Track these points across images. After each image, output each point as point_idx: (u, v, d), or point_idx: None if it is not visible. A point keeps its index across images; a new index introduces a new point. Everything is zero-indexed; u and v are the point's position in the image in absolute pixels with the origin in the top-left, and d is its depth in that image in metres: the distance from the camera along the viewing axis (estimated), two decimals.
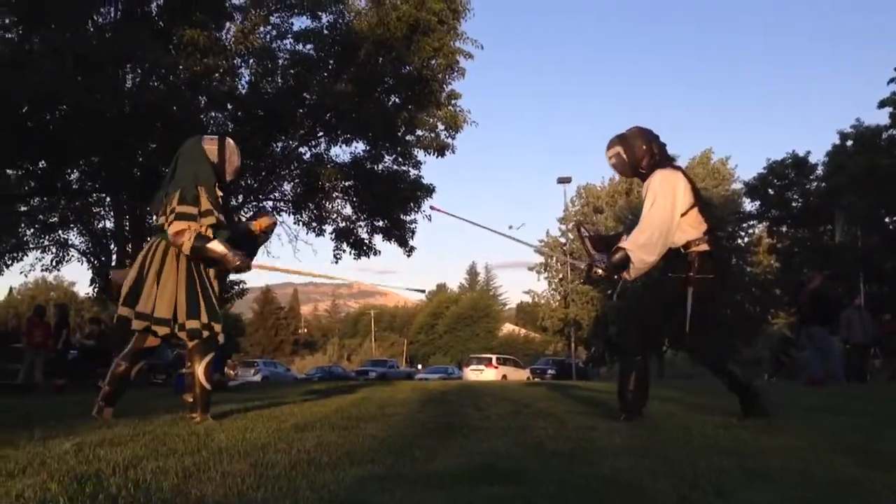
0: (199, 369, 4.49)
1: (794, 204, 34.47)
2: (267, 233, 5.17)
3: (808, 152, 33.73)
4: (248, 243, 4.92)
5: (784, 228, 35.06)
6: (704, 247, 4.39)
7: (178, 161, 4.75)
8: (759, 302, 40.20)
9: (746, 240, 41.47)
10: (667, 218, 4.31)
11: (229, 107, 18.69)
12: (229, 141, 4.87)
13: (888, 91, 27.91)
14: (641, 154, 4.53)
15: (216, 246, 4.48)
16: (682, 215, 4.36)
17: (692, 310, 4.30)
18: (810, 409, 5.32)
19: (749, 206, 38.59)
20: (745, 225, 40.55)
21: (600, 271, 4.52)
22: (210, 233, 4.50)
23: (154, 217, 4.78)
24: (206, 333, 4.49)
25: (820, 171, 33.29)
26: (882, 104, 28.25)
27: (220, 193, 4.68)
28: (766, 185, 34.62)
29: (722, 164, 43.67)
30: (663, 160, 4.56)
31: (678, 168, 4.59)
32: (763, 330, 42.18)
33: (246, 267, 4.69)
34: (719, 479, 2.33)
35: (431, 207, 5.62)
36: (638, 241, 4.34)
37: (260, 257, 4.90)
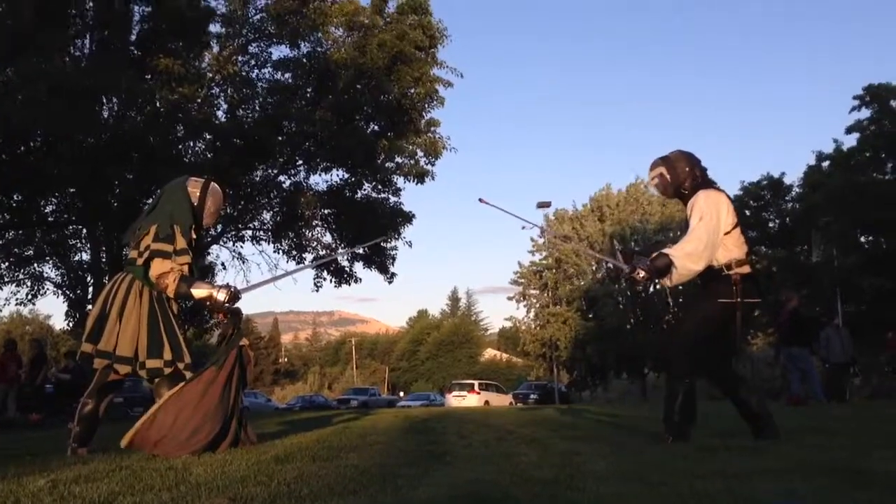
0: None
1: (770, 225, 34.84)
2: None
3: (783, 173, 34.21)
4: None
5: (763, 248, 35.41)
6: (746, 268, 4.50)
7: (160, 197, 4.76)
8: None
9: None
10: (713, 233, 4.40)
11: (207, 136, 18.65)
12: (214, 186, 4.86)
13: (852, 118, 28.71)
14: (685, 176, 4.65)
15: (200, 291, 4.46)
16: (726, 234, 4.46)
17: (739, 333, 4.45)
18: (793, 430, 5.33)
19: None
20: None
21: (643, 273, 4.57)
22: (187, 273, 4.47)
23: (126, 248, 4.73)
24: (167, 371, 4.43)
25: (795, 191, 33.74)
26: (849, 130, 28.90)
27: (193, 236, 4.65)
28: (742, 207, 34.99)
29: None
30: (705, 182, 4.66)
31: (720, 190, 4.69)
32: (742, 350, 42.41)
33: (235, 299, 4.64)
34: (704, 502, 2.32)
35: (480, 200, 5.55)
36: (685, 249, 4.43)
37: (239, 287, 4.83)
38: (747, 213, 34.94)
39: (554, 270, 43.91)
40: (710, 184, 4.68)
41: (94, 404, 4.61)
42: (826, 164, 30.66)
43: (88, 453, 4.52)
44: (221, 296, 4.53)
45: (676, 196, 4.76)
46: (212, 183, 4.87)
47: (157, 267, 4.36)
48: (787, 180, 34.11)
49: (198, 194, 4.73)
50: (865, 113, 28.56)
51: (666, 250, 4.54)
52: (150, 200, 17.43)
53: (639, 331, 39.21)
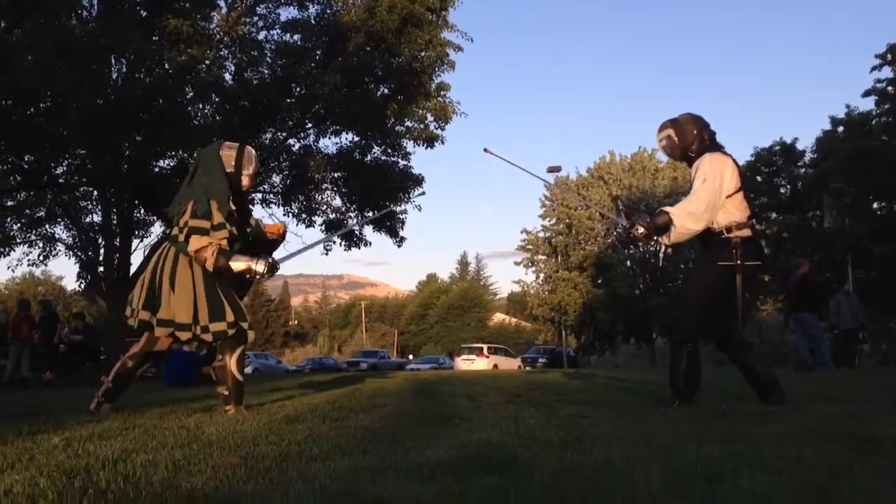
0: (231, 362, 4.57)
1: (782, 190, 34.60)
2: (281, 238, 5.20)
3: (796, 139, 33.88)
4: (265, 248, 4.94)
5: (773, 215, 35.18)
6: (747, 232, 4.51)
7: (196, 166, 4.82)
8: (747, 288, 40.37)
9: None
10: (714, 194, 4.42)
11: (216, 98, 18.58)
12: (249, 149, 4.90)
13: (872, 79, 28.14)
14: (692, 138, 4.66)
15: (238, 263, 4.53)
16: (728, 197, 4.47)
17: (741, 295, 4.45)
18: (800, 396, 5.34)
19: None
20: None
21: (642, 229, 4.59)
22: (226, 247, 4.55)
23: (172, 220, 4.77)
24: (231, 331, 4.53)
25: (808, 157, 33.43)
26: (867, 94, 28.41)
27: (232, 207, 4.69)
28: (754, 173, 34.72)
29: None
30: (712, 145, 4.66)
31: (727, 154, 4.67)
32: (752, 317, 42.36)
33: (273, 269, 4.72)
34: (710, 466, 2.33)
35: (485, 150, 5.53)
36: (686, 209, 4.46)
37: None
38: (759, 178, 34.69)
39: (564, 235, 43.72)
40: (717, 147, 4.68)
41: (134, 366, 4.69)
42: (840, 129, 30.27)
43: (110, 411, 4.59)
44: (260, 267, 4.60)
45: (684, 159, 4.77)
46: (247, 147, 4.90)
47: (195, 243, 4.44)
48: (800, 146, 33.79)
49: (233, 161, 4.76)
50: (886, 73, 27.94)
51: (666, 208, 4.57)
52: (160, 162, 17.36)
53: (648, 296, 39.23)
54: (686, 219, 4.44)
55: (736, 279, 4.44)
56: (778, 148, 33.89)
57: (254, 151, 4.95)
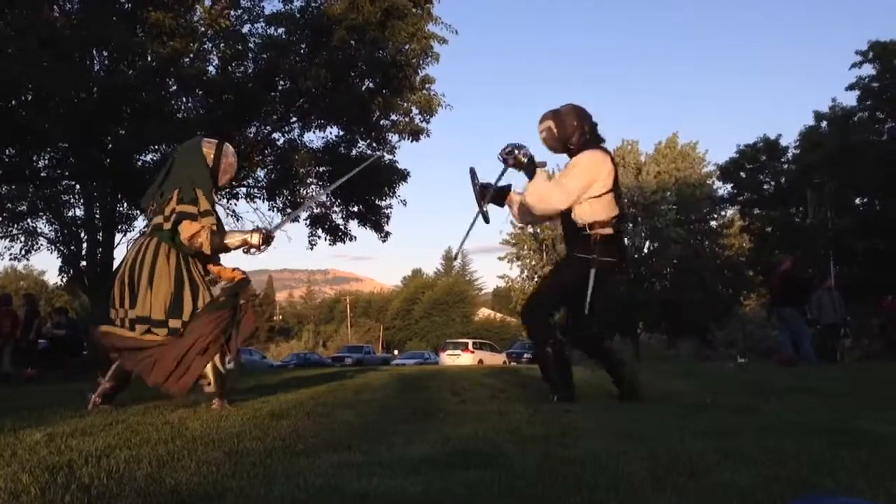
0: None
1: (765, 186, 34.83)
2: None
3: (780, 135, 34.14)
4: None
5: (756, 210, 35.39)
6: (609, 230, 4.52)
7: (174, 160, 4.78)
8: (730, 284, 40.62)
9: (720, 222, 41.87)
10: (573, 193, 4.45)
11: (199, 92, 18.46)
12: (228, 146, 4.88)
13: (853, 75, 28.38)
14: (572, 130, 4.62)
15: (234, 240, 4.54)
16: (596, 197, 4.47)
17: (592, 289, 4.45)
18: (783, 390, 5.39)
19: (721, 189, 38.95)
20: (717, 207, 40.93)
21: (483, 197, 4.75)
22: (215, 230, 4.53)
23: (146, 214, 4.73)
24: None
25: (791, 153, 33.65)
26: (850, 87, 28.63)
27: (215, 198, 4.73)
28: (739, 169, 34.93)
29: (691, 149, 43.88)
30: (593, 140, 4.66)
31: (607, 151, 4.68)
32: (735, 311, 42.68)
33: (269, 240, 4.70)
34: (693, 459, 2.35)
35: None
36: (547, 187, 4.54)
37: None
38: (743, 174, 34.90)
39: (552, 230, 43.72)
40: (598, 141, 4.70)
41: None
42: (824, 123, 30.48)
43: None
44: (255, 239, 4.61)
45: (564, 151, 4.73)
46: (225, 143, 4.88)
47: (187, 229, 4.39)
48: (784, 142, 34.03)
49: (212, 155, 4.75)
50: (867, 70, 28.19)
51: (531, 183, 4.61)
52: (144, 156, 17.18)
53: (632, 291, 39.38)
54: (532, 197, 4.53)
55: (590, 273, 4.45)
56: (762, 144, 34.10)
57: (231, 148, 4.93)
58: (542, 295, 4.80)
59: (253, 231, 4.63)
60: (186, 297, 4.46)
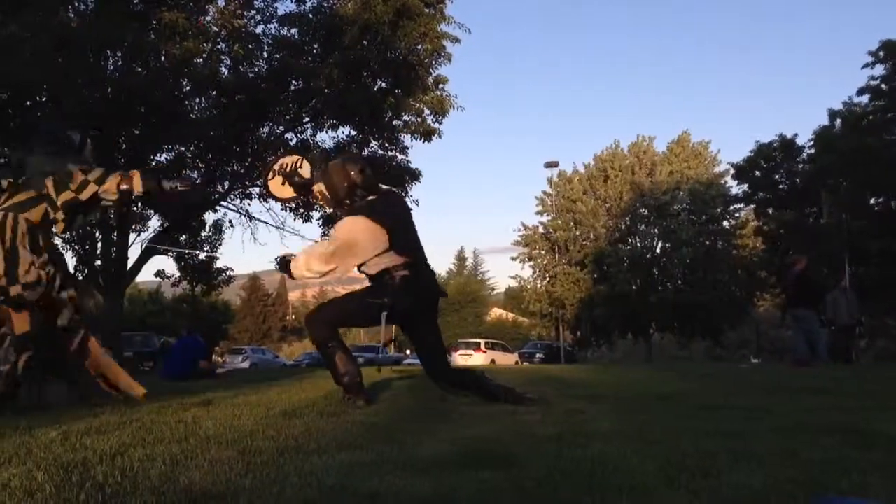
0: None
1: (781, 186, 34.57)
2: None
3: (796, 134, 33.76)
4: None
5: (770, 210, 35.14)
6: (404, 272, 4.41)
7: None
8: (744, 285, 40.38)
9: (733, 222, 41.59)
10: (349, 267, 4.45)
11: (212, 92, 18.56)
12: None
13: (866, 75, 28.09)
14: (344, 193, 4.50)
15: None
16: (377, 256, 4.39)
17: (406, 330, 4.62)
18: (796, 391, 5.36)
19: (736, 188, 38.70)
20: (731, 208, 40.66)
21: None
22: None
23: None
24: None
25: (807, 153, 33.33)
26: (861, 91, 28.39)
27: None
28: (754, 168, 34.67)
29: (703, 148, 43.58)
30: (367, 194, 4.50)
31: (376, 210, 4.44)
32: (748, 312, 42.43)
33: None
34: (706, 460, 2.34)
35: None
36: (315, 253, 4.49)
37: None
38: (758, 173, 34.65)
39: (564, 230, 43.56)
40: (373, 195, 4.53)
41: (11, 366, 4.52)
42: (839, 122, 30.19)
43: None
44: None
45: (343, 211, 4.58)
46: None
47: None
48: (799, 141, 33.67)
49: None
50: (879, 70, 27.84)
51: (298, 253, 4.62)
52: (157, 156, 17.29)
53: (646, 292, 39.25)
54: (310, 261, 4.45)
55: (381, 316, 4.39)
56: (778, 143, 33.80)
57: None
58: (324, 313, 4.70)
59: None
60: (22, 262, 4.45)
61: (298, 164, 4.94)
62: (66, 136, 5.08)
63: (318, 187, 4.61)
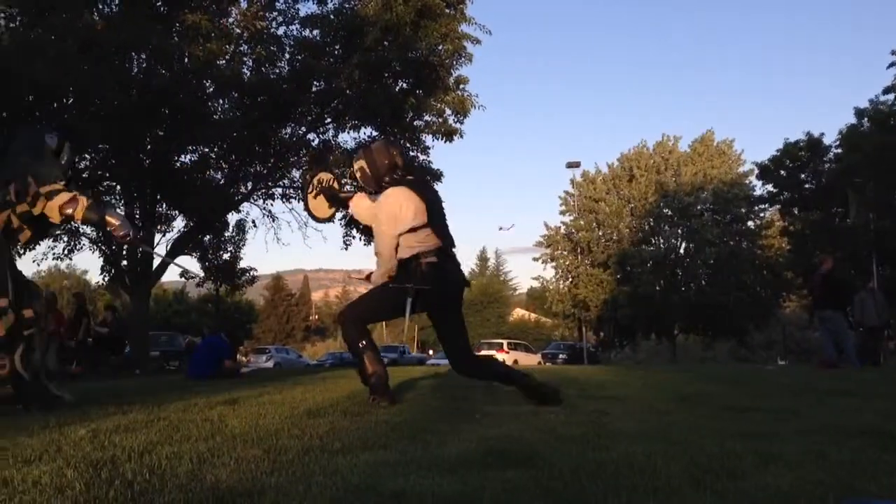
0: (16, 359, 4.38)
1: (806, 186, 34.18)
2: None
3: (822, 133, 33.36)
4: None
5: (796, 211, 34.75)
6: (433, 259, 4.51)
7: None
8: (770, 285, 39.98)
9: (758, 223, 41.17)
10: (389, 237, 4.52)
11: (234, 94, 18.70)
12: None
13: (891, 75, 27.68)
14: (385, 169, 4.66)
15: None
16: (412, 231, 4.48)
17: (434, 318, 4.65)
18: (824, 393, 5.30)
19: (760, 189, 38.31)
20: (755, 208, 40.26)
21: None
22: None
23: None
24: (6, 314, 4.37)
25: (833, 152, 32.91)
26: (887, 90, 27.98)
27: None
28: (779, 167, 34.31)
29: (727, 146, 43.14)
30: (405, 177, 4.66)
31: (418, 185, 4.68)
32: (774, 313, 42.00)
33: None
34: (732, 462, 2.32)
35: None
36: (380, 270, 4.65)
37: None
38: (783, 173, 34.28)
39: (587, 231, 43.30)
40: (409, 179, 4.68)
41: None
42: (866, 121, 29.80)
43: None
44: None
45: (380, 189, 4.72)
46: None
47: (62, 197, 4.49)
48: (826, 140, 33.25)
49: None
50: None
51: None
52: (181, 157, 17.42)
53: (670, 292, 38.98)
54: (382, 267, 4.60)
55: (405, 301, 4.49)
56: (804, 142, 33.39)
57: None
58: (356, 310, 4.80)
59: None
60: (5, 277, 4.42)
61: (333, 182, 5.07)
62: (41, 141, 4.87)
63: (360, 164, 4.77)
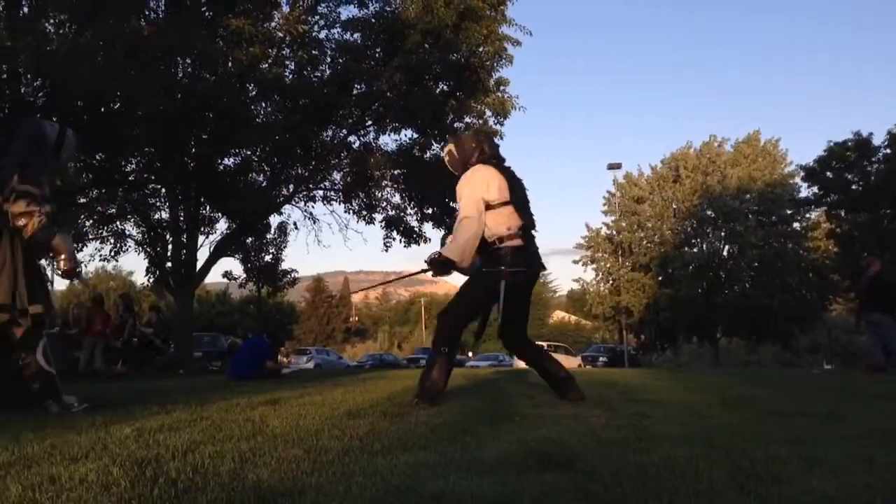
0: (38, 356, 4.35)
1: (853, 187, 33.41)
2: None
3: (871, 134, 32.55)
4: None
5: (843, 212, 33.98)
6: (517, 241, 4.64)
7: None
8: (815, 288, 39.17)
9: (804, 224, 40.36)
10: (471, 211, 4.59)
11: (276, 97, 18.89)
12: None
13: None
14: (471, 153, 4.87)
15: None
16: (491, 208, 4.62)
17: (504, 300, 4.63)
18: (872, 396, 5.19)
19: (805, 190, 37.53)
20: (801, 209, 39.45)
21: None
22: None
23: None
24: (45, 319, 4.38)
25: (882, 152, 32.10)
26: None
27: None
28: (825, 168, 33.58)
29: (773, 146, 42.33)
30: (493, 159, 4.84)
31: (499, 166, 4.81)
32: (820, 316, 41.16)
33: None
34: (777, 467, 2.29)
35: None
36: (453, 251, 4.68)
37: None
38: (829, 174, 33.56)
39: (629, 231, 42.83)
40: (495, 161, 4.83)
41: None
42: None
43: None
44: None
45: (464, 172, 4.86)
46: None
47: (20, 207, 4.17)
48: (875, 141, 32.43)
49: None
50: None
51: (447, 249, 4.77)
52: (224, 160, 17.62)
53: (711, 295, 38.42)
54: (458, 242, 4.63)
55: (500, 285, 4.57)
56: (852, 143, 32.60)
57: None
58: (453, 309, 4.85)
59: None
60: (38, 283, 4.38)
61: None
62: (41, 131, 4.70)
63: (449, 147, 5.03)
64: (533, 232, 4.82)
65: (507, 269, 4.57)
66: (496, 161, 4.84)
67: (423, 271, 5.04)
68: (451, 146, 5.01)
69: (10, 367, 4.43)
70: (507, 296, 4.61)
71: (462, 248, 4.62)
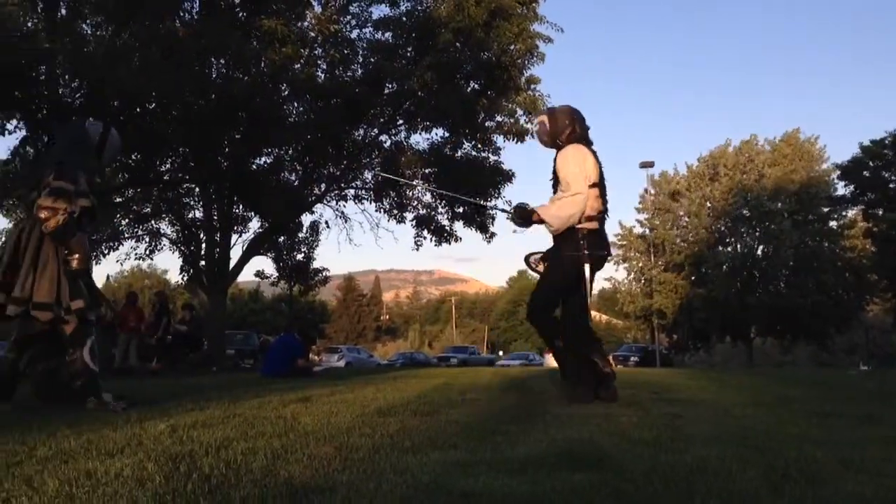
0: (84, 353, 4.39)
1: (891, 185, 32.80)
2: None
3: None
4: None
5: (880, 211, 33.37)
6: (594, 224, 4.73)
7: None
8: (852, 287, 38.48)
9: (840, 222, 39.64)
10: (581, 188, 4.63)
11: (308, 97, 19.00)
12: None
13: None
14: (563, 128, 4.91)
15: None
16: (588, 187, 4.68)
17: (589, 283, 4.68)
18: None
19: (842, 188, 36.87)
20: (838, 208, 38.76)
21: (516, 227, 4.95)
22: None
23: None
24: (90, 315, 4.40)
25: None
26: None
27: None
28: (861, 167, 32.99)
29: (811, 144, 41.58)
30: (582, 139, 4.89)
31: (591, 148, 4.89)
32: (857, 316, 40.46)
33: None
34: (812, 468, 2.25)
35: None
36: (551, 215, 4.71)
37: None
38: (865, 173, 32.97)
39: (664, 229, 42.32)
40: (585, 142, 4.89)
41: (13, 358, 4.42)
42: None
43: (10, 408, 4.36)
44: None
45: (553, 146, 4.95)
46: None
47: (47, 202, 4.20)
48: None
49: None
50: None
51: (543, 209, 4.77)
52: (258, 159, 17.78)
53: (745, 294, 37.92)
54: (559, 211, 4.66)
55: (584, 269, 4.62)
56: (889, 140, 32.00)
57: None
58: (540, 297, 4.91)
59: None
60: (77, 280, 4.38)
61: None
62: (82, 131, 4.77)
63: (542, 118, 5.10)
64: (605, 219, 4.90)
65: (589, 251, 4.64)
66: (586, 143, 4.91)
67: (506, 214, 5.15)
68: (544, 117, 5.06)
69: (52, 364, 4.50)
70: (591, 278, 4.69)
71: (566, 221, 4.66)
